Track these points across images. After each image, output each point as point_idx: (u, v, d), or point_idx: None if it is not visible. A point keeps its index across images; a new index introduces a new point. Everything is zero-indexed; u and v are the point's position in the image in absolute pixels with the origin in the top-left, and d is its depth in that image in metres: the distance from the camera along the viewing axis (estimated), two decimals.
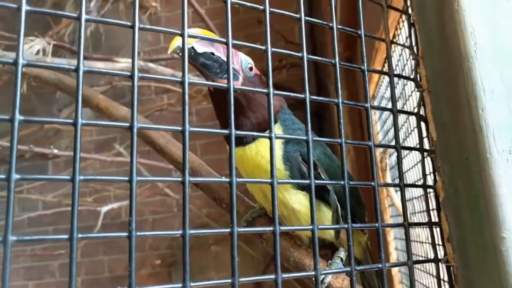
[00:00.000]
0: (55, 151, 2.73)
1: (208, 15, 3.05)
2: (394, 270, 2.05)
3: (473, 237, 0.60)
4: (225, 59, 0.76)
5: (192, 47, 0.76)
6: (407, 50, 0.75)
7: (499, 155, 0.55)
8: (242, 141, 0.77)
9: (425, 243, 1.63)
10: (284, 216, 0.78)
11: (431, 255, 0.69)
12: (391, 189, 1.89)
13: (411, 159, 1.52)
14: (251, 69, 0.82)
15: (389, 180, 1.88)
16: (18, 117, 0.42)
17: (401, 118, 1.52)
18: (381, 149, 1.90)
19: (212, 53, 0.76)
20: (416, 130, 0.74)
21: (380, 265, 0.59)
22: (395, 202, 1.86)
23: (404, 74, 1.52)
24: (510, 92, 0.57)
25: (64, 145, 3.65)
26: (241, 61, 0.81)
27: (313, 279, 0.66)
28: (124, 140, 3.54)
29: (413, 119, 0.87)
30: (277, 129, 0.82)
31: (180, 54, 0.74)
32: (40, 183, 3.58)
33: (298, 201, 0.75)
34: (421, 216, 1.60)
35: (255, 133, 0.57)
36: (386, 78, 1.91)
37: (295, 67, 3.35)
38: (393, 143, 0.67)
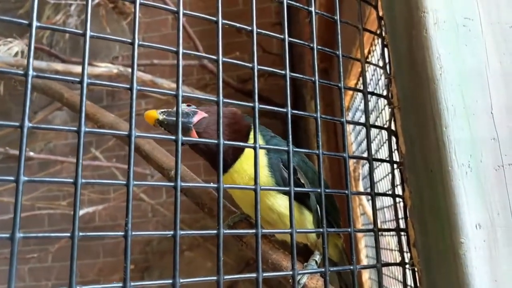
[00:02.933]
0: (31, 153, 2.71)
1: (188, 22, 3.09)
2: (365, 277, 2.12)
3: (435, 242, 0.66)
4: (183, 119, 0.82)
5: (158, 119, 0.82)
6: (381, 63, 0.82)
7: (459, 168, 0.62)
8: (225, 168, 0.81)
9: (395, 250, 1.70)
10: (270, 222, 0.83)
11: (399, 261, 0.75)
12: (363, 198, 1.96)
13: (382, 170, 1.59)
14: (194, 113, 0.86)
15: (361, 189, 1.95)
16: (27, 124, 0.46)
17: (374, 131, 1.59)
18: (354, 159, 1.97)
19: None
20: (387, 143, 0.80)
21: (351, 267, 0.65)
22: (366, 211, 1.93)
23: (378, 87, 1.60)
24: (470, 111, 0.63)
25: (39, 148, 3.61)
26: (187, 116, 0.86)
27: (290, 280, 0.71)
28: (100, 144, 3.54)
29: (385, 132, 0.93)
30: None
31: (160, 126, 0.81)
32: (12, 185, 3.53)
33: (284, 205, 0.80)
34: (391, 224, 1.67)
35: (241, 144, 0.62)
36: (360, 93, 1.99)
37: (272, 76, 3.41)
38: (365, 154, 0.73)
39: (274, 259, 0.73)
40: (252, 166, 0.80)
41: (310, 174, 0.85)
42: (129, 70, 2.91)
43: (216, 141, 0.56)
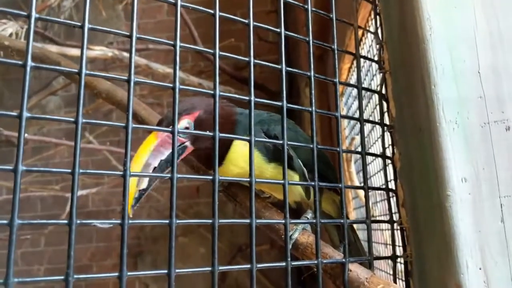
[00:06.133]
0: (26, 135, 2.71)
1: (184, 9, 3.08)
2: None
3: (423, 198, 0.69)
4: (164, 156, 0.77)
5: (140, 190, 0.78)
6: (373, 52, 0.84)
7: (447, 125, 0.64)
8: (220, 161, 0.80)
9: (386, 229, 1.73)
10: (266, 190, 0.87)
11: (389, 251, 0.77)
12: (355, 181, 1.98)
13: (375, 149, 1.61)
14: (186, 128, 0.81)
15: (354, 171, 1.97)
16: (30, 63, 0.48)
17: (367, 112, 1.61)
18: (347, 142, 2.00)
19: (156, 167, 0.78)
20: (379, 129, 0.82)
21: (341, 220, 0.67)
22: (359, 192, 1.95)
23: (371, 74, 1.62)
24: (457, 71, 0.65)
25: (32, 132, 3.61)
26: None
27: (282, 236, 0.74)
28: (94, 129, 3.54)
29: (377, 111, 0.95)
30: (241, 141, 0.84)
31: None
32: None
33: (276, 172, 0.80)
34: (383, 210, 1.70)
35: (237, 136, 0.64)
36: (353, 76, 2.01)
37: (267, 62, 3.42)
38: (359, 147, 0.75)
39: (267, 216, 0.75)
40: (242, 154, 0.81)
41: (296, 141, 0.86)
42: (124, 54, 2.91)
43: (212, 134, 0.57)
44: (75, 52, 2.60)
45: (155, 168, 0.77)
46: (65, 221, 0.48)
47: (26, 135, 2.38)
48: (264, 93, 3.30)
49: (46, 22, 3.30)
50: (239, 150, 0.81)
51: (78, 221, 0.49)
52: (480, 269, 0.61)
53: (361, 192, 1.92)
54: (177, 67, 0.56)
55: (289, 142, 0.63)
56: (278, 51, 0.69)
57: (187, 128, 0.81)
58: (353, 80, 2.03)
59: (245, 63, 0.63)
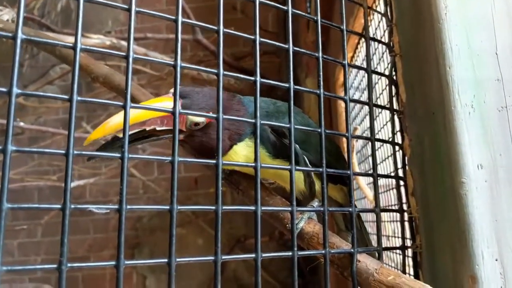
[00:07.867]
0: (21, 123, 2.67)
1: None
2: None
3: (434, 185, 0.66)
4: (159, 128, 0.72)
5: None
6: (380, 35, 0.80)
7: (463, 108, 0.61)
8: (223, 152, 0.73)
9: (393, 221, 1.70)
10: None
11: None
12: (358, 171, 1.96)
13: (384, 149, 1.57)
14: (196, 124, 0.75)
15: (355, 162, 1.94)
16: (21, 35, 0.44)
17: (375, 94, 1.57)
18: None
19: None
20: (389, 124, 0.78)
21: (350, 209, 0.64)
22: (360, 183, 1.93)
23: (374, 63, 1.58)
24: (474, 52, 0.62)
25: (29, 122, 3.56)
26: (186, 121, 0.76)
27: (287, 225, 0.70)
28: (92, 119, 3.49)
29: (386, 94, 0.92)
30: (248, 141, 0.80)
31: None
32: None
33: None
34: (385, 201, 1.67)
35: (245, 119, 0.61)
36: (359, 60, 1.98)
37: (267, 54, 3.38)
38: (367, 133, 0.72)
39: (271, 205, 0.72)
40: (241, 155, 0.77)
41: (303, 135, 0.82)
42: (122, 43, 2.86)
43: (215, 116, 0.54)
44: (72, 40, 2.54)
45: (144, 129, 0.73)
46: (58, 206, 0.45)
47: (22, 123, 2.33)
48: (264, 84, 3.26)
49: (43, 11, 3.25)
50: (239, 151, 0.78)
51: (72, 206, 0.46)
52: (496, 260, 0.58)
53: (362, 183, 1.90)
54: (179, 43, 0.53)
55: (296, 126, 0.60)
56: (284, 31, 0.66)
57: (197, 124, 0.76)
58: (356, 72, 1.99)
59: (243, 54, 0.60)
